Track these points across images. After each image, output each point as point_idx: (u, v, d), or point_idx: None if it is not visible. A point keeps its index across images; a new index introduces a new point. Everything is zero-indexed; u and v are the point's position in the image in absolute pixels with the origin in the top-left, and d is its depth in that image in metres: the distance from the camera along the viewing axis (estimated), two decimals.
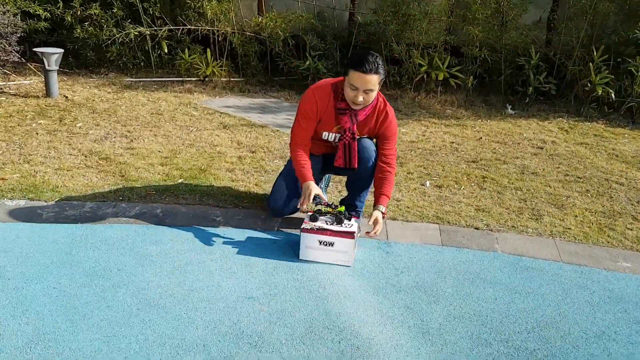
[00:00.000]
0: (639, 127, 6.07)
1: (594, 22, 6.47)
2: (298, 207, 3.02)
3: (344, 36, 7.01)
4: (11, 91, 5.90)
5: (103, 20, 6.66)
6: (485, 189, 4.06)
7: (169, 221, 3.20)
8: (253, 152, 4.51)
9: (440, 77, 6.49)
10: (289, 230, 3.18)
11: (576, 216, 3.68)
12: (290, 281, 2.66)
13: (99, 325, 2.27)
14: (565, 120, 6.11)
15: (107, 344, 2.17)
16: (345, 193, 3.46)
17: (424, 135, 5.31)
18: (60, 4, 6.63)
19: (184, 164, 4.12)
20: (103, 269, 2.66)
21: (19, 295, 2.44)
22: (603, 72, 6.25)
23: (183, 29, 6.79)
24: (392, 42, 6.60)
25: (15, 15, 6.06)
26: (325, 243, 2.82)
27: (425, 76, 6.59)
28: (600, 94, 6.17)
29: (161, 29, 6.68)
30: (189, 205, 3.43)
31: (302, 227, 2.87)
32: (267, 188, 3.75)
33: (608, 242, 3.33)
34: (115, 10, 6.62)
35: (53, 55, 5.49)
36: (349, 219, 2.96)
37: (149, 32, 6.68)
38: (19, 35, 5.98)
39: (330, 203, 2.97)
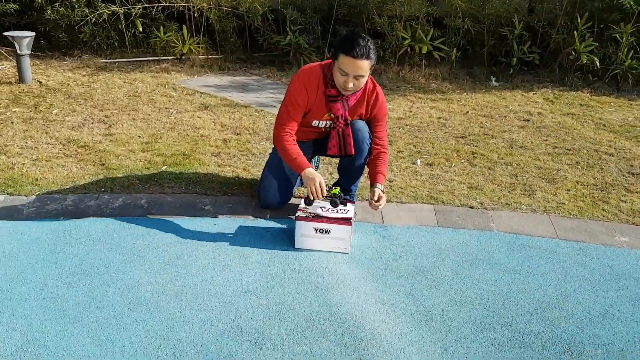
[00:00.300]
0: (624, 94, 6.05)
1: None
2: (311, 198, 2.84)
3: (325, 9, 6.83)
4: None
5: (74, 0, 6.39)
6: (475, 165, 4.00)
7: (155, 212, 3.08)
8: (238, 134, 4.38)
9: (424, 50, 6.38)
10: (282, 218, 3.09)
11: (568, 190, 3.64)
12: (287, 272, 2.58)
13: (89, 328, 2.17)
14: (550, 91, 6.06)
15: (99, 347, 2.08)
16: (336, 175, 3.37)
17: (410, 111, 5.22)
18: None
19: (166, 150, 3.99)
20: (90, 267, 2.55)
21: (4, 299, 2.32)
22: (587, 39, 6.19)
23: (157, 6, 6.56)
24: (374, 15, 6.45)
25: None
26: (321, 230, 2.74)
27: (408, 49, 6.47)
28: (584, 62, 6.12)
29: (135, 7, 6.44)
30: (175, 194, 3.31)
31: (296, 214, 2.78)
32: (255, 173, 3.64)
33: (603, 216, 3.29)
34: None
35: (24, 39, 5.26)
36: (344, 204, 2.88)
37: (122, 11, 6.44)
38: None
39: (325, 185, 2.84)
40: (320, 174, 2.80)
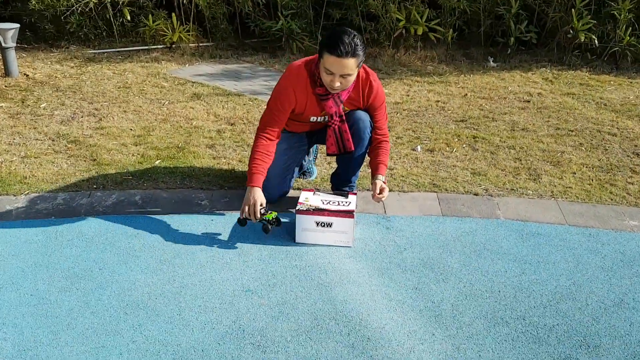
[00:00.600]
0: (623, 72, 5.95)
1: None
2: (240, 217, 2.69)
3: None
4: None
5: None
6: (477, 149, 3.90)
7: (149, 209, 2.97)
8: (232, 125, 4.26)
9: (419, 32, 6.24)
10: (282, 211, 2.98)
11: (574, 173, 3.55)
12: (289, 268, 2.48)
13: (84, 335, 2.07)
14: (548, 70, 5.95)
15: (95, 356, 1.98)
16: (335, 165, 3.25)
17: (408, 95, 5.10)
18: None
19: (159, 143, 3.86)
20: (83, 269, 2.45)
21: None
22: (585, 17, 6.06)
23: None
24: None
25: None
26: (322, 224, 2.64)
27: (403, 31, 6.33)
28: (582, 40, 6.00)
29: None
30: (169, 189, 3.20)
31: (296, 208, 2.67)
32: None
33: (611, 200, 3.20)
34: None
35: (9, 30, 5.10)
36: (346, 196, 2.78)
37: (109, 0, 6.27)
38: None
39: (261, 207, 2.64)
40: (263, 196, 2.68)
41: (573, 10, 6.05)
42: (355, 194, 2.85)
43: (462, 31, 6.67)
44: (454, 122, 4.44)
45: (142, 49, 6.38)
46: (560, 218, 2.97)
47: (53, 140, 3.87)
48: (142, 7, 6.53)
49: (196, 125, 4.21)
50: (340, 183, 3.08)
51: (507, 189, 3.31)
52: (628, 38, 6.00)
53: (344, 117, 2.84)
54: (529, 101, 4.98)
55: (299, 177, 3.36)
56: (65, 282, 2.36)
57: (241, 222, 2.69)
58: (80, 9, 6.20)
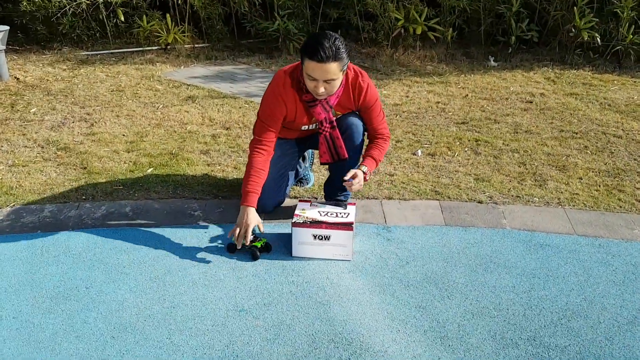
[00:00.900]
0: (626, 71, 5.83)
1: None
2: (229, 236, 2.57)
3: None
4: None
5: None
6: (480, 153, 3.78)
7: (140, 221, 2.85)
8: (227, 129, 4.14)
9: (418, 31, 6.11)
10: (277, 222, 2.86)
11: (581, 178, 3.43)
12: (285, 285, 2.36)
13: None
14: (550, 70, 5.83)
15: None
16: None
17: (407, 97, 4.98)
18: None
19: (152, 149, 3.74)
20: (69, 288, 2.32)
21: None
22: (587, 15, 5.94)
23: None
24: None
25: None
26: (320, 237, 2.52)
27: (402, 31, 6.20)
28: (585, 39, 5.88)
29: None
30: (162, 199, 3.08)
31: (293, 220, 2.55)
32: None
33: (620, 207, 3.09)
34: None
35: None
36: (344, 207, 2.66)
37: (102, 0, 6.13)
38: None
39: (251, 235, 2.51)
40: (257, 217, 2.56)
41: (575, 8, 5.93)
42: (355, 204, 2.73)
43: (461, 30, 6.54)
44: (455, 124, 4.33)
45: (136, 51, 6.26)
46: (569, 227, 2.86)
47: (42, 148, 3.75)
48: (136, 7, 6.40)
49: (190, 130, 4.09)
50: (334, 191, 2.96)
51: (512, 195, 3.19)
52: (631, 36, 5.88)
53: (334, 124, 2.72)
54: (531, 102, 4.86)
55: (296, 185, 3.24)
56: (49, 302, 2.24)
57: (230, 248, 2.58)
58: (72, 9, 6.07)
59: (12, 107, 4.51)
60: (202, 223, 2.85)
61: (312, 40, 2.43)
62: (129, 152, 3.70)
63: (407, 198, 3.14)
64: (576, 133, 4.17)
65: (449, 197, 3.15)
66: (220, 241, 2.69)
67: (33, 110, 4.46)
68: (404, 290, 2.35)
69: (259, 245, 2.54)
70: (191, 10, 6.38)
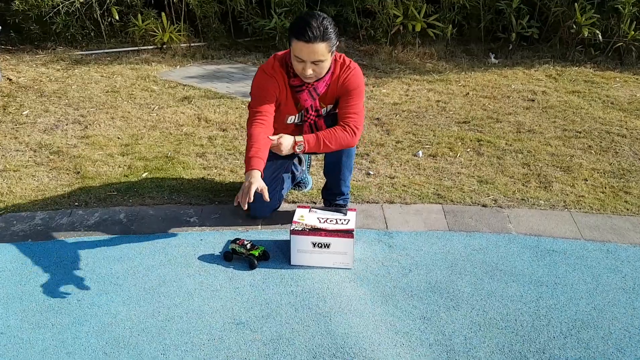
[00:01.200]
0: (628, 68, 5.75)
1: None
2: (234, 204, 2.38)
3: None
4: None
5: None
6: (482, 154, 3.70)
7: (134, 228, 2.77)
8: (224, 131, 4.05)
9: (418, 28, 6.02)
10: (275, 229, 2.78)
11: (586, 180, 3.35)
12: (284, 296, 2.28)
13: None
14: (551, 67, 5.75)
15: None
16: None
17: (407, 95, 4.89)
18: None
19: (147, 152, 3.65)
20: (60, 300, 2.24)
21: None
22: (588, 11, 5.85)
23: None
24: None
25: None
26: (320, 245, 2.43)
27: (401, 28, 6.11)
28: (586, 35, 5.79)
29: None
30: (157, 205, 2.99)
31: (291, 228, 2.47)
32: (243, 175, 3.31)
33: (627, 210, 3.01)
34: None
35: None
36: (344, 213, 2.57)
37: None
38: None
39: (248, 242, 2.49)
40: (262, 182, 2.38)
41: (576, 4, 5.84)
42: (355, 210, 2.65)
43: (461, 27, 6.46)
44: (457, 123, 4.24)
45: (131, 50, 6.16)
46: (575, 232, 2.78)
47: (35, 151, 3.66)
48: (130, 6, 6.30)
49: (186, 132, 4.00)
50: (332, 196, 2.88)
51: (517, 199, 3.11)
52: (632, 33, 5.80)
53: (320, 112, 2.66)
54: (533, 100, 4.78)
55: (293, 189, 3.16)
56: (39, 316, 2.15)
57: (227, 257, 2.50)
58: (65, 8, 5.96)
59: (4, 109, 4.42)
60: (198, 230, 2.76)
61: (299, 21, 2.38)
62: (123, 155, 3.61)
63: (409, 202, 3.06)
64: (579, 132, 4.09)
65: (452, 201, 3.07)
66: (216, 249, 2.60)
67: (26, 112, 4.36)
68: (408, 300, 2.27)
69: (256, 253, 2.46)
70: (187, 9, 6.29)
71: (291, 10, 6.17)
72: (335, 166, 2.76)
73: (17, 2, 5.91)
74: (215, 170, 3.41)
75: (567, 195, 3.16)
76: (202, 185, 3.20)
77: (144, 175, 3.34)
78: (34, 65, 5.65)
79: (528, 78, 5.40)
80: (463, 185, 3.25)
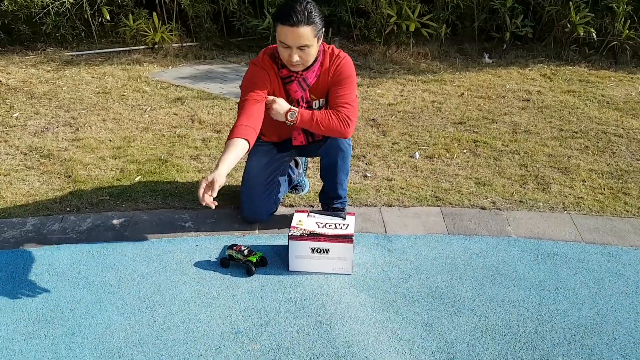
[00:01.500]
0: (622, 67, 5.74)
1: None
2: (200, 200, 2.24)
3: None
4: None
5: None
6: (479, 155, 3.66)
7: (128, 234, 2.71)
8: (218, 132, 4.00)
9: (412, 28, 5.97)
10: (272, 233, 2.73)
11: (584, 181, 3.32)
12: (282, 303, 2.23)
13: None
14: (546, 66, 5.72)
15: None
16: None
17: (402, 96, 4.85)
18: None
19: (140, 155, 3.59)
20: (52, 310, 2.18)
21: None
22: (583, 10, 5.83)
23: None
24: None
25: None
26: (319, 250, 2.39)
27: (395, 28, 6.07)
28: (581, 34, 5.78)
29: None
30: (150, 210, 2.94)
31: (289, 233, 2.42)
32: (238, 177, 3.26)
33: (627, 212, 2.98)
34: None
35: None
36: (343, 217, 2.53)
37: None
38: None
39: (245, 248, 2.44)
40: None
41: (570, 3, 5.82)
42: (354, 214, 2.60)
43: (455, 26, 6.43)
44: (452, 124, 4.21)
45: (122, 50, 6.09)
46: (575, 234, 2.75)
47: (25, 155, 3.59)
48: (121, 6, 6.22)
49: (180, 134, 3.95)
50: (329, 199, 2.83)
51: (515, 200, 3.08)
52: (627, 31, 5.79)
53: (311, 104, 2.62)
54: (528, 100, 4.76)
55: (290, 192, 3.11)
56: (32, 327, 2.10)
57: (224, 263, 2.45)
58: (55, 9, 5.88)
59: None
60: (193, 235, 2.71)
61: (283, 6, 2.37)
62: (115, 158, 3.55)
63: (407, 205, 3.02)
64: (576, 132, 4.07)
65: (451, 204, 3.03)
66: (213, 255, 2.55)
67: (16, 114, 4.29)
68: (409, 306, 2.23)
69: (254, 259, 2.41)
70: (178, 9, 6.22)
71: None
72: (331, 170, 2.72)
73: (6, 3, 5.83)
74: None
75: (566, 197, 3.13)
76: (196, 189, 3.13)
77: (137, 178, 3.28)
78: (24, 67, 5.57)
79: (522, 78, 5.38)
80: (461, 187, 3.22)
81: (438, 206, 3.01)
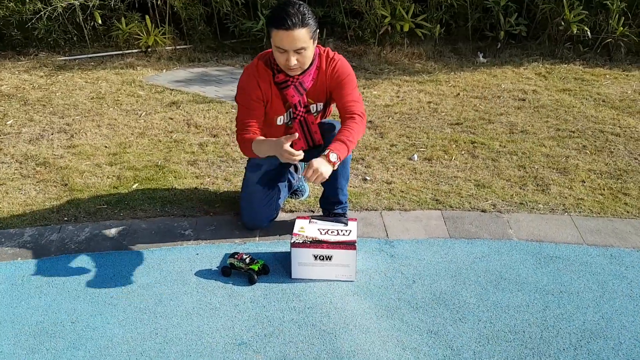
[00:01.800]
0: (617, 64, 5.75)
1: None
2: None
3: None
4: None
5: None
6: (477, 156, 3.66)
7: (127, 243, 2.68)
8: (215, 136, 3.97)
9: (406, 28, 5.96)
10: (273, 239, 2.71)
11: (583, 181, 3.32)
12: (286, 312, 2.21)
13: None
14: (540, 65, 5.73)
15: None
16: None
17: (398, 97, 4.84)
18: None
19: (136, 161, 3.56)
20: (54, 323, 2.16)
21: None
22: (577, 8, 5.84)
23: None
24: None
25: None
26: (321, 257, 2.37)
27: (389, 28, 6.06)
28: (575, 32, 5.78)
29: None
30: (149, 218, 2.91)
31: (292, 240, 2.40)
32: (237, 182, 3.25)
33: (627, 212, 2.98)
34: None
35: None
36: (345, 223, 2.51)
37: (78, 3, 5.90)
38: None
39: (247, 256, 2.42)
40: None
41: (564, 1, 5.82)
42: (356, 219, 2.59)
43: (449, 26, 6.42)
44: (449, 125, 4.20)
45: (116, 54, 6.04)
46: (577, 236, 2.74)
47: (20, 163, 3.56)
48: (114, 9, 6.18)
49: (176, 139, 3.92)
50: (330, 205, 2.81)
51: (515, 203, 3.07)
52: (621, 28, 5.80)
53: (309, 108, 2.60)
54: (524, 99, 4.75)
55: (290, 197, 3.09)
56: (33, 340, 2.07)
57: (225, 272, 2.43)
58: (47, 13, 5.83)
59: None
60: (193, 243, 2.69)
61: (276, 10, 2.35)
62: (111, 165, 3.52)
63: (408, 208, 3.01)
64: (573, 132, 4.07)
65: (451, 207, 3.02)
66: (214, 264, 2.53)
67: (10, 122, 4.25)
68: (413, 313, 2.21)
69: (256, 267, 2.39)
70: (171, 11, 6.18)
71: None
72: (332, 175, 2.69)
73: None
74: (209, 179, 3.33)
75: (566, 198, 3.13)
76: (195, 196, 3.12)
77: (134, 186, 3.25)
78: (17, 72, 5.51)
79: (517, 77, 5.37)
80: (460, 189, 3.21)
81: (438, 209, 3.00)
